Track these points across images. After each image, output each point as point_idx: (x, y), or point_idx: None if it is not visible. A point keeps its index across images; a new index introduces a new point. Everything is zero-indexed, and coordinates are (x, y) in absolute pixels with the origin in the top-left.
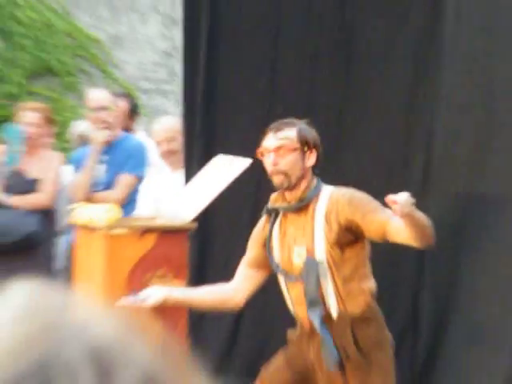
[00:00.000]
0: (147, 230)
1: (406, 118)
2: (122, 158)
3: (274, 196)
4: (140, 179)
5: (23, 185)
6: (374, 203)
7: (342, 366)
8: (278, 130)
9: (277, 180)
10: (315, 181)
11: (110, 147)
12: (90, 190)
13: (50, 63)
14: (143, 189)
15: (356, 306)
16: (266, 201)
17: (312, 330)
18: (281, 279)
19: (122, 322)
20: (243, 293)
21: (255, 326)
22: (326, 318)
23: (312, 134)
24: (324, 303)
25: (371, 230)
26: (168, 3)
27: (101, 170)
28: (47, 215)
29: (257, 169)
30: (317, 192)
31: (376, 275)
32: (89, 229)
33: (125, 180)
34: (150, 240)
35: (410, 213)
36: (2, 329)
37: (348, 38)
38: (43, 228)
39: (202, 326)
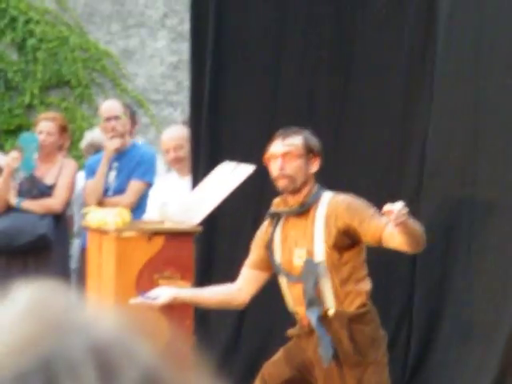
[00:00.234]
0: (155, 233)
1: (400, 128)
2: (132, 165)
3: (276, 201)
4: (149, 185)
5: (38, 190)
6: (371, 210)
7: (338, 364)
8: (285, 136)
9: (282, 184)
10: (316, 187)
11: (120, 154)
12: (102, 195)
13: (63, 75)
14: (152, 194)
15: (353, 306)
16: (269, 206)
17: (310, 329)
18: (282, 280)
19: (125, 322)
20: (247, 293)
21: (257, 325)
22: (324, 318)
23: (316, 142)
24: (322, 303)
25: (367, 235)
26: (176, 19)
27: (112, 176)
28: (59, 219)
29: (260, 175)
30: (317, 197)
31: (371, 276)
32: (100, 232)
33: (135, 186)
34: (158, 243)
35: (404, 222)
36: (7, 327)
37: (346, 52)
38: (55, 231)
39: (206, 326)
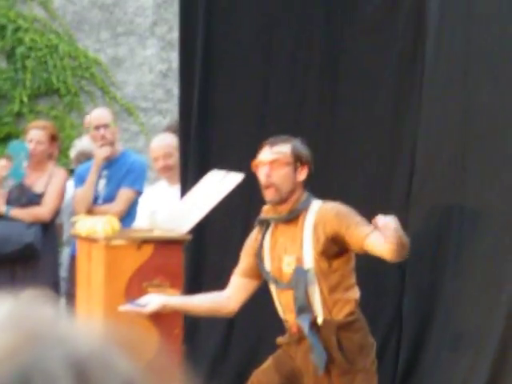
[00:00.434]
0: (145, 242)
1: (389, 136)
2: (122, 173)
3: (266, 207)
4: (139, 193)
5: (27, 198)
6: (358, 217)
7: (327, 372)
8: (274, 144)
9: (268, 194)
10: (305, 195)
11: (110, 163)
12: (92, 204)
13: (52, 83)
14: (141, 202)
15: (341, 314)
16: (258, 214)
17: (300, 336)
18: (271, 287)
19: (106, 334)
20: (236, 301)
21: (247, 333)
22: (314, 325)
23: (305, 150)
24: (312, 310)
25: (352, 242)
26: (165, 27)
27: (101, 185)
28: (48, 227)
29: (249, 183)
30: (306, 205)
31: (360, 284)
32: (90, 240)
33: (124, 194)
34: (148, 251)
35: (395, 236)
36: None
37: (335, 58)
38: (43, 239)
39: (195, 335)
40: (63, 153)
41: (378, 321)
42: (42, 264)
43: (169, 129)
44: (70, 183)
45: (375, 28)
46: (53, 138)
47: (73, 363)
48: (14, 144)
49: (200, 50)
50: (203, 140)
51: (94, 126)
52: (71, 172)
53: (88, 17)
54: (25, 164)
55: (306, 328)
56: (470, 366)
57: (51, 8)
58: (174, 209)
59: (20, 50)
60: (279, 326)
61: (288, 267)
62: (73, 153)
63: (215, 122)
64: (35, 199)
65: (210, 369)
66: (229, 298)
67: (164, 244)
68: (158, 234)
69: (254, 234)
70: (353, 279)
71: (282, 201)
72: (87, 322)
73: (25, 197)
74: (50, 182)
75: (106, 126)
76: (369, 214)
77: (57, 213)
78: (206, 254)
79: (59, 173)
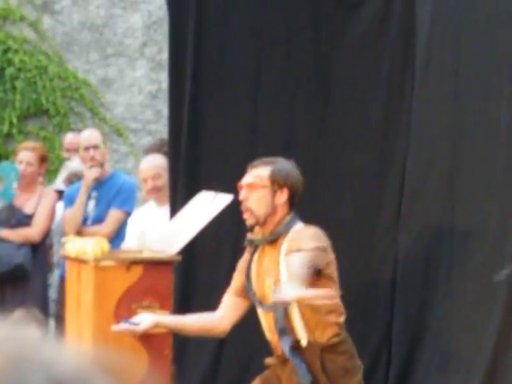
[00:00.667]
0: (134, 263)
1: (379, 155)
2: (111, 194)
3: (256, 228)
4: (128, 214)
5: (16, 219)
6: (319, 245)
7: None
8: (253, 167)
9: (246, 217)
10: (289, 217)
11: (99, 184)
12: (81, 225)
13: (42, 104)
14: (130, 223)
15: (325, 336)
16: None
17: (284, 358)
18: (258, 308)
19: (89, 358)
20: (228, 320)
21: (236, 354)
22: (297, 346)
23: (287, 173)
24: (294, 333)
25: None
26: (155, 48)
27: (91, 206)
28: (38, 249)
29: (238, 204)
30: (288, 227)
31: (350, 305)
32: (79, 261)
33: (113, 215)
34: (137, 272)
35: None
36: None
37: (325, 76)
38: (33, 260)
39: (185, 355)
40: (53, 173)
41: (367, 341)
42: (32, 285)
43: (151, 150)
44: (60, 205)
45: (364, 46)
46: (42, 160)
47: None
48: (3, 165)
49: (190, 71)
50: (193, 161)
51: (84, 147)
52: (60, 194)
53: (78, 38)
54: (15, 185)
55: (286, 350)
56: None
57: (41, 29)
58: (163, 230)
59: (9, 70)
60: (268, 346)
61: (269, 290)
62: (64, 174)
63: (205, 143)
64: (25, 220)
65: None
66: (221, 317)
67: (153, 265)
68: (147, 255)
69: (245, 254)
70: (337, 301)
71: (258, 223)
72: (73, 345)
73: (14, 218)
74: (40, 203)
75: (95, 147)
76: (358, 234)
77: (46, 234)
78: (195, 275)
79: (49, 194)
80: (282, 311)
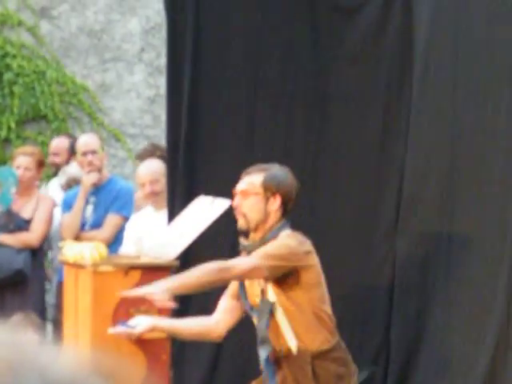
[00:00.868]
0: (132, 268)
1: (377, 163)
2: (109, 199)
3: (251, 234)
4: (126, 219)
5: (15, 224)
6: (278, 255)
7: None
8: (247, 174)
9: (239, 221)
10: (279, 224)
11: (97, 189)
12: (79, 229)
13: (40, 109)
14: (128, 228)
15: (315, 343)
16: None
17: (276, 366)
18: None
19: (86, 364)
20: (224, 325)
21: (234, 359)
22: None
23: (280, 180)
24: (283, 340)
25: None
26: (153, 53)
27: (89, 211)
28: (36, 253)
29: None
30: (276, 234)
31: (348, 311)
32: (77, 266)
33: (111, 220)
34: (135, 277)
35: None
36: None
37: (322, 87)
38: (32, 265)
39: (183, 361)
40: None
41: (365, 348)
42: (30, 290)
43: (143, 155)
44: (58, 210)
45: (362, 56)
46: (40, 164)
47: None
48: (1, 170)
49: (187, 76)
50: (191, 166)
51: (82, 152)
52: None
53: (75, 43)
54: (13, 190)
55: (262, 359)
56: None
57: (39, 34)
58: (161, 235)
59: (7, 75)
60: None
61: (257, 297)
62: (62, 179)
63: (203, 149)
64: (23, 225)
65: None
66: (217, 322)
67: (151, 270)
68: (145, 260)
69: None
70: (325, 307)
71: (250, 229)
72: (70, 350)
73: (13, 223)
74: (38, 208)
75: (93, 152)
76: (356, 240)
77: (44, 239)
78: None
79: (46, 199)
80: (265, 321)
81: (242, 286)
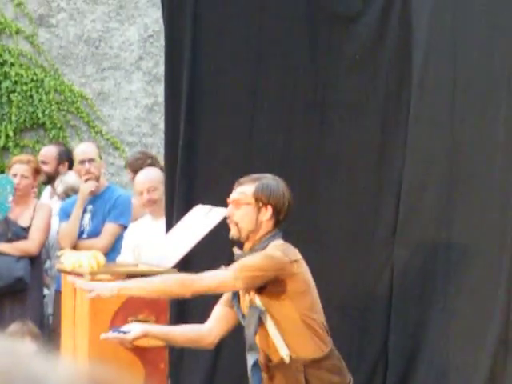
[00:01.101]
0: (130, 276)
1: (375, 172)
2: (107, 208)
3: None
4: (124, 227)
5: (13, 233)
6: (255, 265)
7: None
8: (240, 184)
9: (231, 231)
10: (272, 234)
11: (95, 197)
12: (76, 238)
13: (38, 117)
14: (125, 236)
15: (308, 351)
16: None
17: (271, 374)
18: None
19: (80, 374)
20: (217, 332)
21: (231, 367)
22: (281, 364)
23: (271, 190)
24: (275, 349)
25: None
26: (151, 61)
27: (86, 219)
28: (35, 261)
29: None
30: (266, 244)
31: (346, 320)
32: (75, 275)
33: (109, 228)
34: None
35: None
36: None
37: (321, 95)
38: (31, 273)
39: (180, 370)
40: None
41: (363, 357)
42: (30, 298)
43: (131, 165)
44: (55, 218)
45: (360, 66)
46: (37, 172)
47: None
48: None
49: (186, 85)
50: (189, 174)
51: (79, 161)
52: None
53: (74, 51)
54: (10, 199)
55: (249, 366)
56: None
57: (37, 42)
58: (159, 243)
59: (5, 84)
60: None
61: (246, 308)
62: (60, 187)
63: (201, 157)
64: (21, 233)
65: None
66: (210, 329)
67: None
68: (143, 268)
69: None
70: (314, 316)
71: (242, 239)
72: (66, 360)
73: (10, 231)
74: (35, 216)
75: (91, 160)
76: (355, 249)
77: (43, 246)
78: None
79: (44, 206)
80: (253, 328)
81: (235, 294)
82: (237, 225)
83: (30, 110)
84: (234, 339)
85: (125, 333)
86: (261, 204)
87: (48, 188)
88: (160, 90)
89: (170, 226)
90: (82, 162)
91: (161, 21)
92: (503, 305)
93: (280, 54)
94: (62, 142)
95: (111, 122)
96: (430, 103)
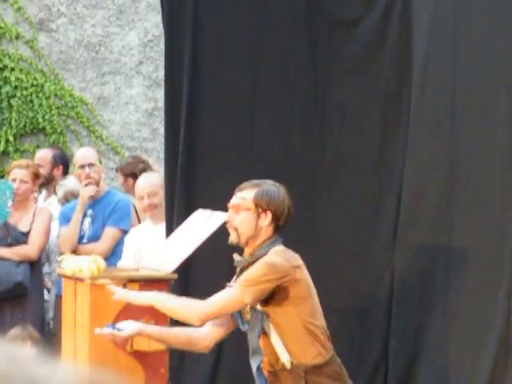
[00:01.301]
0: (130, 281)
1: (376, 175)
2: (107, 212)
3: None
4: (124, 232)
5: (12, 237)
6: (260, 277)
7: None
8: (240, 189)
9: (231, 236)
10: (271, 240)
11: (95, 202)
12: (77, 243)
13: (38, 122)
14: (126, 241)
15: (308, 357)
16: (242, 254)
17: (272, 379)
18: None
19: (81, 378)
20: (213, 337)
21: (233, 372)
22: (281, 369)
23: (271, 196)
24: (275, 354)
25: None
26: (151, 66)
27: (86, 224)
28: (35, 266)
29: None
30: (267, 250)
31: (346, 324)
32: (75, 279)
33: (109, 233)
34: (133, 290)
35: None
36: None
37: (321, 98)
38: (31, 278)
39: (181, 374)
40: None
41: (363, 361)
42: (30, 302)
43: (122, 169)
44: (54, 223)
45: (360, 68)
46: (36, 177)
47: None
48: None
49: (186, 89)
50: (189, 179)
51: (79, 165)
52: None
53: (74, 56)
54: (10, 203)
55: (254, 370)
56: None
57: (37, 47)
58: (159, 248)
59: (5, 89)
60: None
61: (248, 314)
62: (60, 192)
63: (201, 162)
64: (21, 238)
65: None
66: (206, 333)
67: (150, 283)
68: (143, 273)
69: (236, 274)
70: (315, 321)
71: (241, 244)
72: (67, 364)
73: (10, 236)
74: (35, 221)
75: (91, 164)
76: (355, 253)
77: (43, 251)
78: (191, 293)
79: (43, 211)
80: (257, 332)
81: None
82: (236, 230)
83: (30, 114)
84: (235, 343)
85: (119, 330)
86: (261, 210)
87: (42, 191)
88: (160, 94)
89: (170, 230)
90: (82, 166)
91: (161, 25)
92: (503, 308)
93: (280, 57)
94: (59, 146)
95: (111, 127)
96: (430, 105)
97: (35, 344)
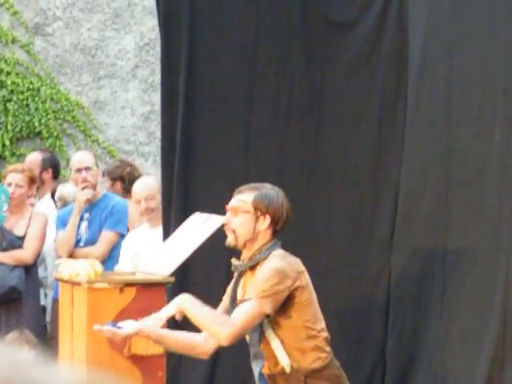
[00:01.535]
0: (127, 284)
1: (372, 177)
2: (104, 216)
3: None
4: (121, 235)
5: (8, 242)
6: (272, 285)
7: None
8: (239, 192)
9: (228, 238)
10: (270, 243)
11: (91, 205)
12: (74, 246)
13: (34, 126)
14: (123, 244)
15: (307, 361)
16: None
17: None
18: None
19: (79, 382)
20: (212, 343)
21: (230, 377)
22: (281, 373)
23: (270, 200)
24: (275, 358)
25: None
26: (147, 70)
27: (83, 227)
28: (30, 270)
29: None
30: (267, 254)
31: (344, 327)
32: (72, 283)
33: (106, 236)
34: (130, 293)
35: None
36: None
37: (317, 101)
38: (26, 282)
39: (179, 378)
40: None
41: (361, 364)
42: (25, 307)
43: (110, 173)
44: (52, 227)
45: (356, 70)
46: (32, 181)
47: None
48: None
49: (182, 93)
50: (186, 183)
51: (76, 169)
52: None
53: (70, 60)
54: (5, 208)
55: (256, 375)
56: None
57: (33, 51)
58: (156, 251)
59: (2, 93)
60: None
61: None
62: (57, 196)
63: (197, 165)
64: (16, 242)
65: None
66: (206, 339)
67: (147, 287)
68: (140, 276)
69: (234, 278)
70: (317, 325)
71: (239, 246)
72: (64, 368)
73: (6, 240)
74: (30, 225)
75: (87, 168)
76: (352, 256)
77: (38, 255)
78: None
79: (39, 215)
80: (258, 336)
81: (232, 304)
82: (234, 232)
83: (27, 118)
84: (232, 347)
85: (119, 328)
86: (259, 213)
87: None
88: (156, 98)
89: (167, 234)
90: (79, 170)
91: (157, 29)
92: (500, 310)
93: (276, 60)
94: (51, 149)
95: (108, 131)
96: (426, 108)
97: (33, 348)
